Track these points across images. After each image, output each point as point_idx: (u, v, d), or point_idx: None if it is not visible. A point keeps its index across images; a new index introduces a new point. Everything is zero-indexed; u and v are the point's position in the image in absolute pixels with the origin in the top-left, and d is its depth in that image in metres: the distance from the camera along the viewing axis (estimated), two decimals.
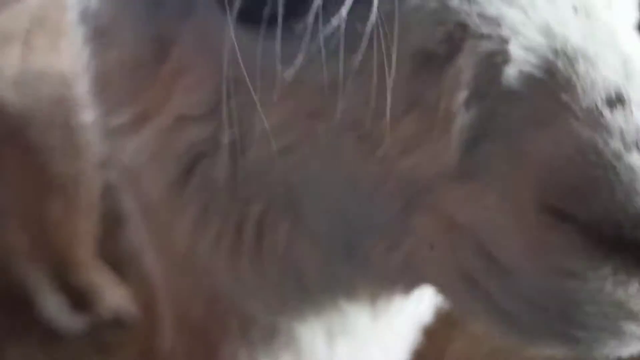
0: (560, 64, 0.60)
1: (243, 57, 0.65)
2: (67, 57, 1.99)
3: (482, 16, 0.61)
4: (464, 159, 0.63)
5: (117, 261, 2.51)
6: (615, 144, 0.57)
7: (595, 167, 0.57)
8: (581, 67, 0.59)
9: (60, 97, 2.05)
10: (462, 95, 0.62)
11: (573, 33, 0.61)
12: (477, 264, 0.64)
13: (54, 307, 2.52)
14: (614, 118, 0.58)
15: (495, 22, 0.61)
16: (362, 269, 0.78)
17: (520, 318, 0.65)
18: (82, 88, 0.92)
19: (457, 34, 0.62)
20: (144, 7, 0.77)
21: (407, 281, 0.79)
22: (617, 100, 0.58)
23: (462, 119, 0.62)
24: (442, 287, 0.73)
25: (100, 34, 0.83)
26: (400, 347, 1.08)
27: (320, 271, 0.80)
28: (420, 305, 0.99)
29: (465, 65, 0.62)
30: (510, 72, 0.61)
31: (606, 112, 0.58)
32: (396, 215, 0.70)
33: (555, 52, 0.60)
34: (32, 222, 2.37)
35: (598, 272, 0.58)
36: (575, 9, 0.62)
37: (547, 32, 0.61)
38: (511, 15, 0.61)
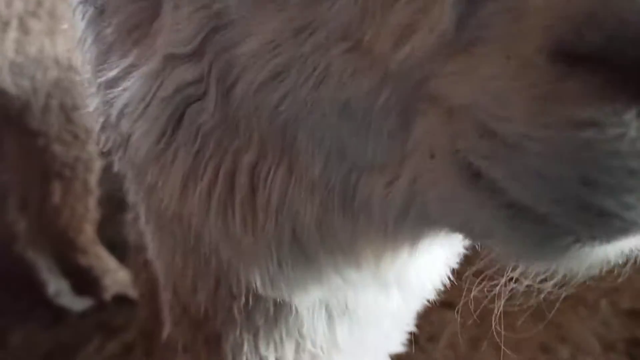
0: None
1: None
2: (63, 41, 1.99)
3: None
4: (461, 27, 0.58)
5: (118, 245, 2.53)
6: None
7: None
8: None
9: (56, 80, 2.05)
10: None
11: None
12: (481, 149, 0.59)
13: (56, 289, 2.54)
14: None
15: None
16: (362, 220, 0.74)
17: (535, 210, 0.58)
18: (84, 74, 0.92)
19: None
20: None
21: (411, 227, 0.73)
22: None
23: None
24: (447, 204, 0.66)
25: (100, 11, 0.84)
26: (398, 331, 1.09)
27: (316, 224, 0.76)
28: (419, 290, 0.99)
29: None
30: None
31: None
32: (393, 136, 0.66)
33: None
34: (33, 206, 2.38)
35: (620, 116, 0.51)
36: None
37: None
38: None
